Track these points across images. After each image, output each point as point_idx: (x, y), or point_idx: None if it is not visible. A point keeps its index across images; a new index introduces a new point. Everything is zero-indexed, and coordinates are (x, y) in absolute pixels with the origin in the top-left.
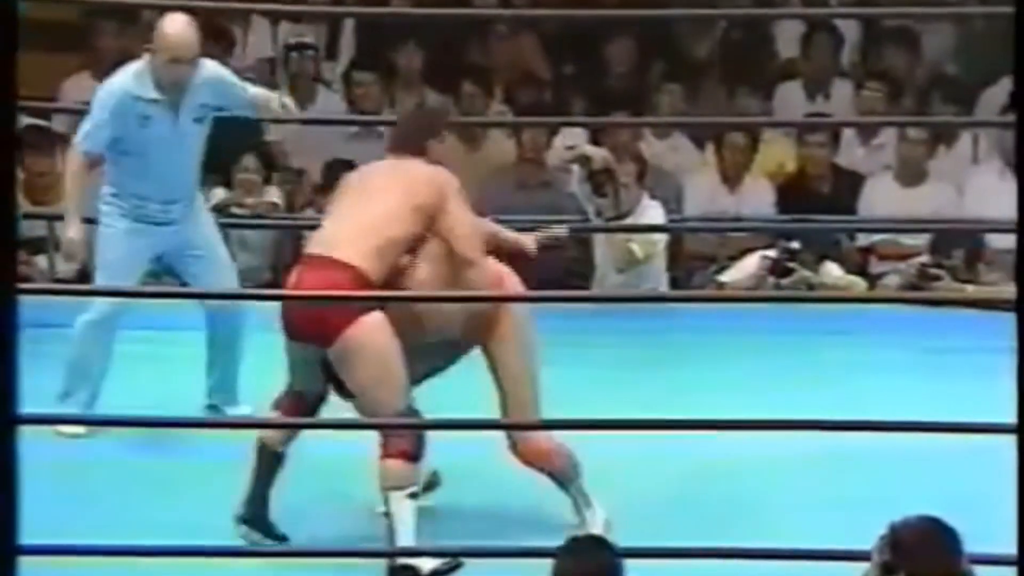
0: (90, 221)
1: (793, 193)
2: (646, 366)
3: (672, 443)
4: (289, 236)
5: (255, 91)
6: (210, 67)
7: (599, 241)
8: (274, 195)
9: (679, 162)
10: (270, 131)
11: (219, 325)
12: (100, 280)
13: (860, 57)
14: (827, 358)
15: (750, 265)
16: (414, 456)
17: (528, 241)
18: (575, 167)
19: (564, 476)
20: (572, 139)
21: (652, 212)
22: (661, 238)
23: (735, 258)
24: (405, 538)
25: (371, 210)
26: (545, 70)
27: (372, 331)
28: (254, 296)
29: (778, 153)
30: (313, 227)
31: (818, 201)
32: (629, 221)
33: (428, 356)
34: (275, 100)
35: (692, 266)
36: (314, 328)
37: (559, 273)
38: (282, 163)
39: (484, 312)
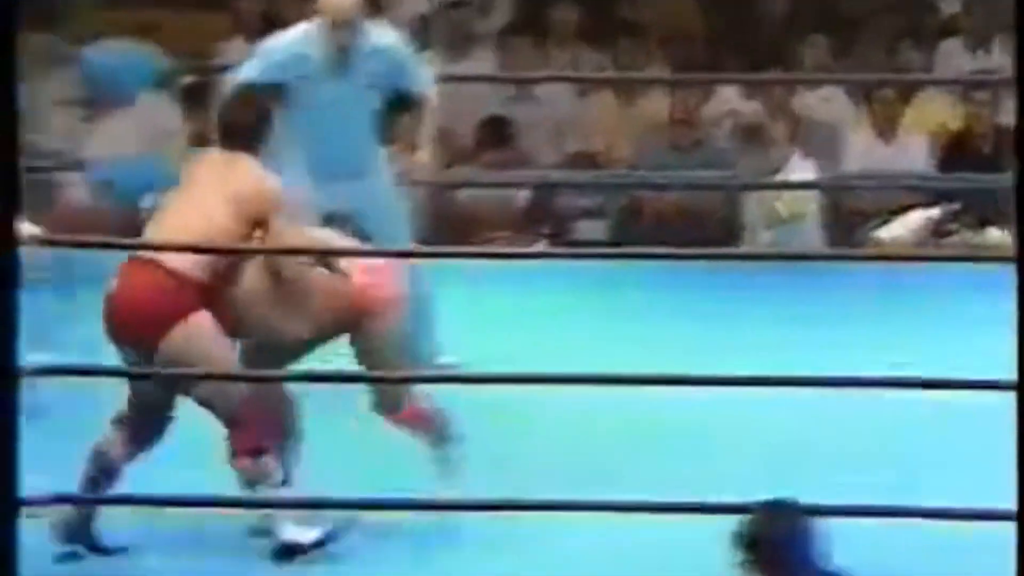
0: None
1: (955, 152)
2: (798, 323)
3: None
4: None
5: (427, 76)
6: (385, 35)
7: (749, 199)
8: (425, 155)
9: (834, 114)
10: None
11: None
12: None
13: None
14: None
15: (911, 222)
16: (262, 450)
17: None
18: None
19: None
20: (725, 96)
21: (802, 170)
22: (812, 196)
23: (896, 213)
24: (286, 526)
25: (193, 213)
26: (699, 26)
27: (195, 333)
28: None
29: (939, 111)
30: (463, 186)
31: (980, 161)
32: (779, 178)
33: (275, 355)
34: (433, 97)
35: (852, 222)
36: (134, 332)
37: (708, 231)
38: (434, 122)
39: (346, 309)
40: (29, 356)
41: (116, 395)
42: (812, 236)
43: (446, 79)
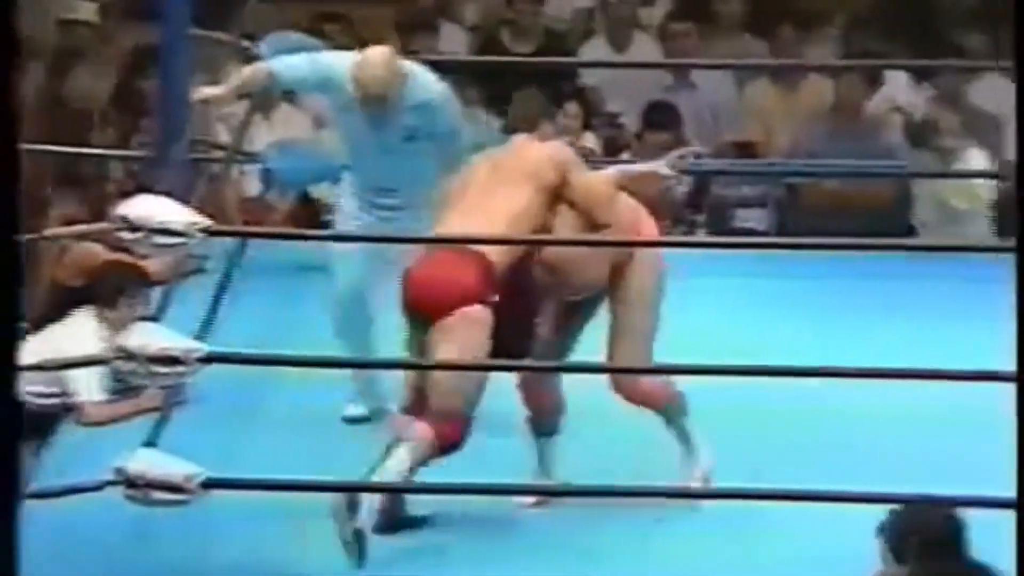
0: None
1: None
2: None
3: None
4: None
5: (457, 121)
6: (424, 89)
7: (922, 192)
8: (590, 141)
9: (999, 104)
10: (588, 77)
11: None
12: (334, 259)
13: None
14: None
15: None
16: (452, 446)
17: (659, 167)
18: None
19: (667, 414)
20: (896, 85)
21: (975, 162)
22: (985, 188)
23: None
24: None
25: (497, 205)
26: (873, 14)
27: (471, 322)
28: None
29: None
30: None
31: None
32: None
33: (577, 312)
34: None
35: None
36: (429, 298)
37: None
38: (600, 108)
39: (618, 260)
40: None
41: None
42: (983, 229)
43: (608, 65)
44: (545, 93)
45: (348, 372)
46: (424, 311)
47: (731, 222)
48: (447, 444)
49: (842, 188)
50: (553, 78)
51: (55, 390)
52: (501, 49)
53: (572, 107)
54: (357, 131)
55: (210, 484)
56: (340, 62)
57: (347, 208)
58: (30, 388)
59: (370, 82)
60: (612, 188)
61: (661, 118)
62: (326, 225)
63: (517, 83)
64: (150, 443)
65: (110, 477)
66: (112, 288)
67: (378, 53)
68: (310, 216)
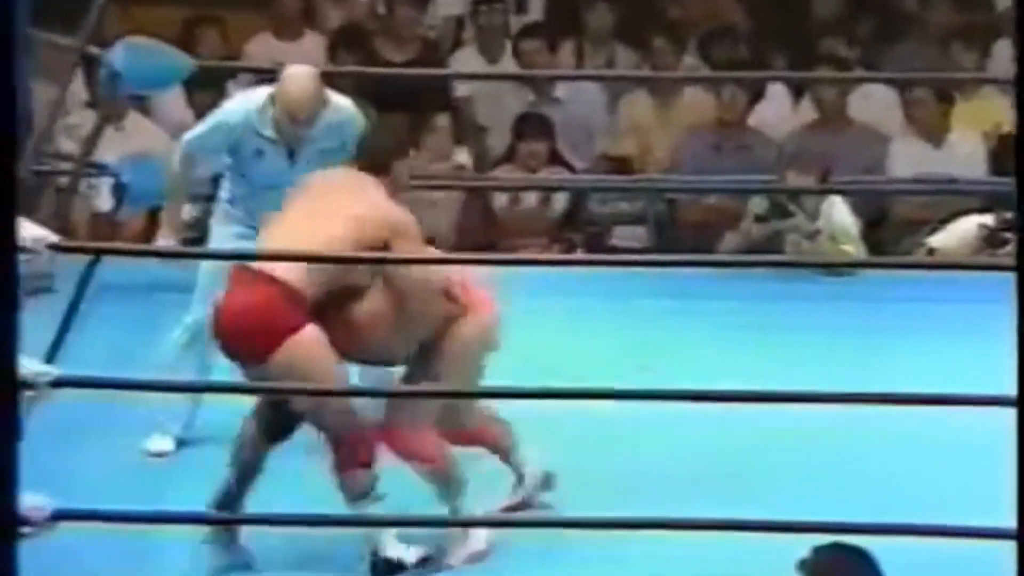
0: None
1: (1009, 155)
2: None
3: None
4: (477, 197)
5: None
6: (334, 110)
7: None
8: (462, 155)
9: (879, 118)
10: (459, 88)
11: None
12: (200, 285)
13: None
14: None
15: (963, 230)
16: (370, 463)
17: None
18: None
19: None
20: (772, 98)
21: (840, 206)
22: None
23: (946, 221)
24: (388, 540)
25: (314, 227)
26: (743, 23)
27: (307, 347)
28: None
29: (993, 111)
30: (501, 189)
31: None
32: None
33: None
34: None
35: (901, 231)
36: (245, 344)
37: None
38: (471, 122)
39: (429, 337)
40: (43, 366)
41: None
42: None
43: (480, 77)
44: (413, 115)
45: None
46: (242, 355)
47: (609, 240)
48: (368, 464)
49: (724, 204)
50: (427, 90)
51: None
52: (375, 58)
53: (443, 120)
54: (265, 173)
55: (59, 516)
56: (241, 107)
57: (220, 234)
58: None
59: (296, 106)
60: (437, 285)
61: (533, 130)
62: (184, 244)
63: (389, 94)
64: None
65: None
66: None
67: (302, 75)
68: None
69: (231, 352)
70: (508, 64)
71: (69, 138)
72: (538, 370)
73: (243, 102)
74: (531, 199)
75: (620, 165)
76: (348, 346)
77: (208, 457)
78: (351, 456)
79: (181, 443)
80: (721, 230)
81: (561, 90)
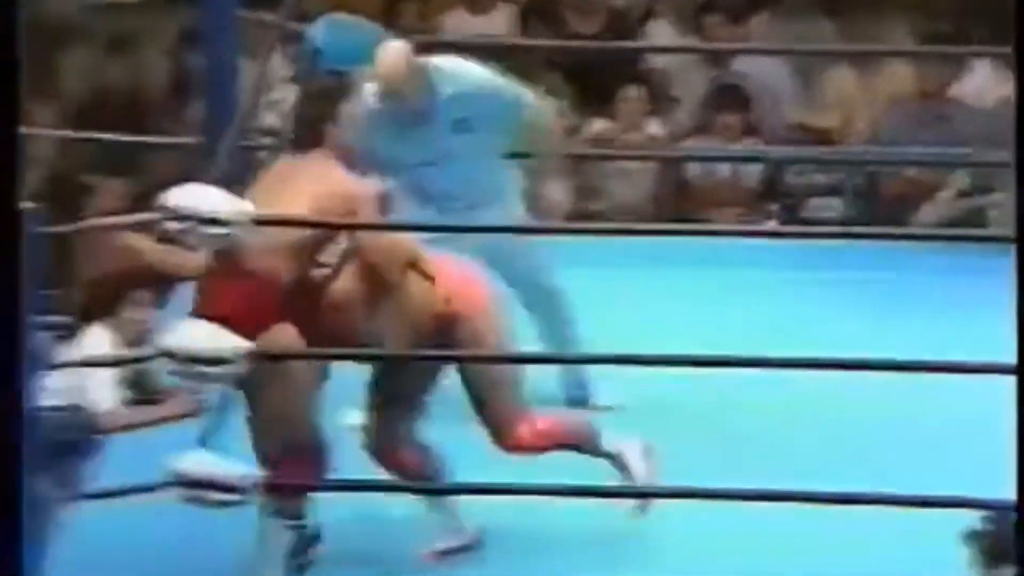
0: None
1: None
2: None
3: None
4: (671, 167)
5: (527, 98)
6: (461, 78)
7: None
8: (655, 127)
9: None
10: (652, 59)
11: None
12: None
13: None
14: None
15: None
16: (304, 491)
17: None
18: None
19: (578, 447)
20: (976, 70)
21: None
22: None
23: None
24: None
25: (279, 210)
26: None
27: (277, 345)
28: None
29: None
30: (696, 158)
31: None
32: None
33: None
34: (546, 113)
35: None
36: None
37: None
38: (666, 92)
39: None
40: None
41: None
42: None
43: (676, 50)
44: (607, 76)
45: None
46: None
47: (804, 211)
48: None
49: (923, 176)
50: (616, 61)
51: (75, 402)
52: (563, 29)
53: (633, 91)
54: (403, 146)
55: (263, 485)
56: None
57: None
58: (52, 402)
59: (384, 80)
60: (404, 250)
61: (729, 101)
62: None
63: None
64: (202, 444)
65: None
66: (111, 295)
67: (393, 48)
68: None
69: None
70: (704, 37)
71: (274, 113)
72: (742, 341)
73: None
74: (724, 170)
75: (821, 136)
76: (321, 336)
77: None
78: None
79: None
80: (919, 202)
81: (746, 63)
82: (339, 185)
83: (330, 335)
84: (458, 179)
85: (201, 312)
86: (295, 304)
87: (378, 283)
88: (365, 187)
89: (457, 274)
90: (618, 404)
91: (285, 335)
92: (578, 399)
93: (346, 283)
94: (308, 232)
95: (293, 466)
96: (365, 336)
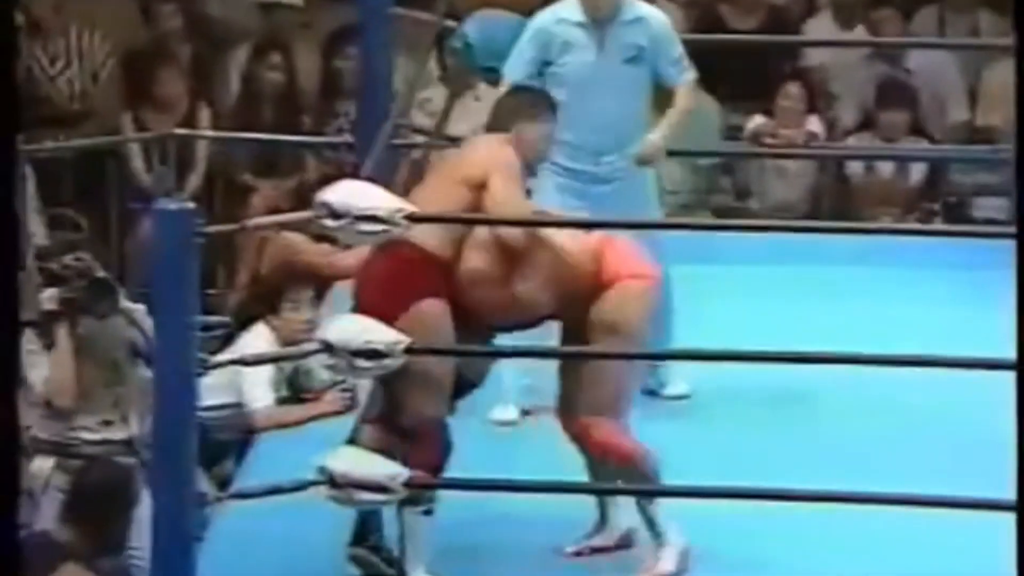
0: None
1: None
2: None
3: None
4: (830, 165)
5: (685, 82)
6: (652, 14)
7: None
8: (814, 124)
9: None
10: (812, 56)
11: None
12: None
13: None
14: None
15: None
16: (439, 468)
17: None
18: None
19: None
20: None
21: None
22: None
23: None
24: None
25: (432, 197)
26: None
27: (426, 317)
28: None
29: None
30: (855, 157)
31: None
32: None
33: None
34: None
35: None
36: (380, 309)
37: None
38: (825, 90)
39: (571, 288)
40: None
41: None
42: None
43: (839, 44)
44: (768, 73)
45: None
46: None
47: (969, 211)
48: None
49: None
50: (775, 57)
51: (232, 400)
52: (721, 26)
53: (794, 88)
54: (571, 62)
55: (413, 484)
56: (548, 11)
57: (545, 201)
58: (211, 402)
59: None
60: (527, 208)
61: (894, 99)
62: None
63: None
64: (352, 442)
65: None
66: (271, 294)
67: None
68: None
69: (361, 312)
70: (862, 32)
71: (422, 111)
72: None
73: (548, 7)
74: (887, 168)
75: (985, 136)
76: (459, 308)
77: (549, 426)
78: (424, 457)
79: (525, 413)
80: None
81: (914, 59)
82: (480, 150)
83: (464, 312)
84: (606, 112)
85: (358, 297)
86: (442, 280)
87: (508, 253)
88: (503, 153)
89: (621, 248)
90: (686, 394)
91: (433, 309)
92: (649, 389)
93: (477, 259)
94: (464, 203)
95: (421, 451)
96: (505, 310)
